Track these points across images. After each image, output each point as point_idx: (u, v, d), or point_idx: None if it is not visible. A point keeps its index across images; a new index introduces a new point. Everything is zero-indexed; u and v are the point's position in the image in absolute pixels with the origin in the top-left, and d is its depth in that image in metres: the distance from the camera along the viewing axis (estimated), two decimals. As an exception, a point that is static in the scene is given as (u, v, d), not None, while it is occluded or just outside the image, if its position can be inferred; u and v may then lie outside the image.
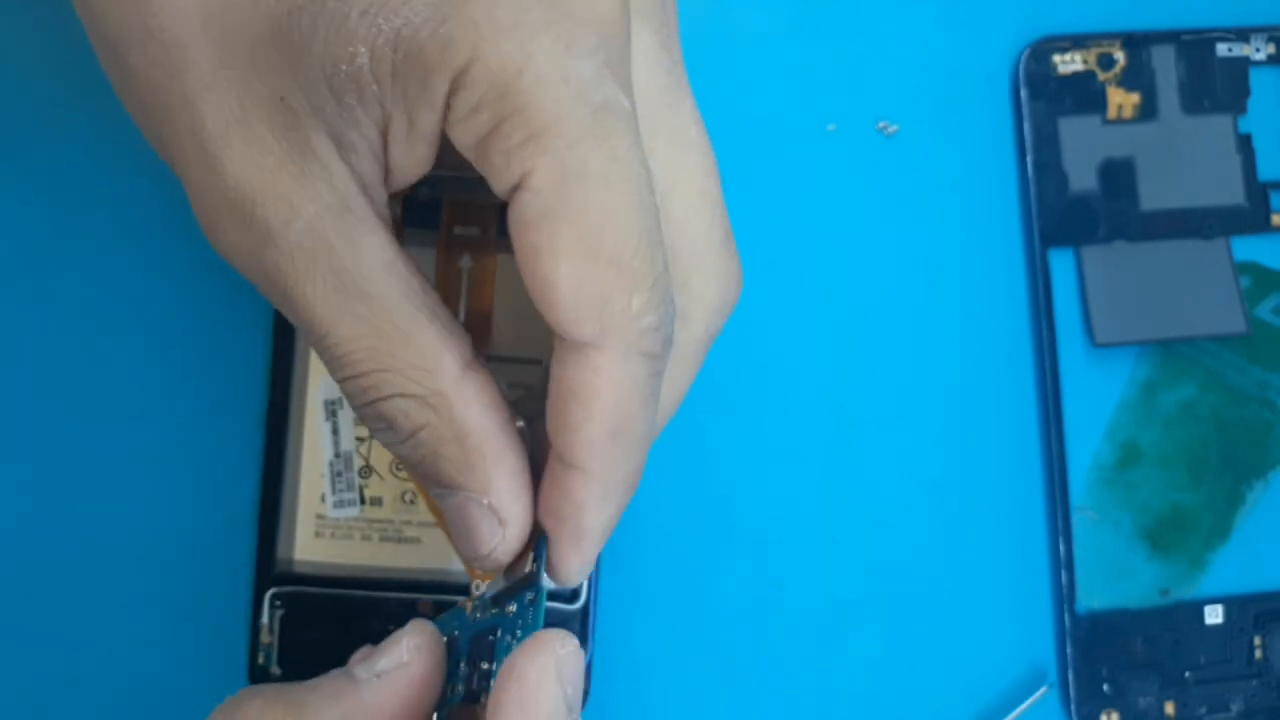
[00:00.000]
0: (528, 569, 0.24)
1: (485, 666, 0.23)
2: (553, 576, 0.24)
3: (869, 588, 0.33)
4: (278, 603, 0.31)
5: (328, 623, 0.31)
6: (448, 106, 0.21)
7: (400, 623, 0.31)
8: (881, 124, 0.34)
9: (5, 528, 0.32)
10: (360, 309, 0.22)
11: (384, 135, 0.22)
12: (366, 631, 0.31)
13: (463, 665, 0.24)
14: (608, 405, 0.22)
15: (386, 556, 0.31)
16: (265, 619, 0.31)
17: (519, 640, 0.23)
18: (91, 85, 0.33)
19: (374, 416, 0.23)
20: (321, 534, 0.31)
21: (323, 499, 0.31)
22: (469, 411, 0.23)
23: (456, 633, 0.25)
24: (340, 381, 0.23)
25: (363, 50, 0.21)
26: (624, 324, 0.22)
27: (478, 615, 0.24)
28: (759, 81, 0.34)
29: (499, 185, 0.22)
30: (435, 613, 0.31)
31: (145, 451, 0.32)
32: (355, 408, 0.23)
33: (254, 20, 0.21)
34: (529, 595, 0.23)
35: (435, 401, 0.23)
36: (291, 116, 0.21)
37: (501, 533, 0.23)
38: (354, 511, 0.31)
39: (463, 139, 0.22)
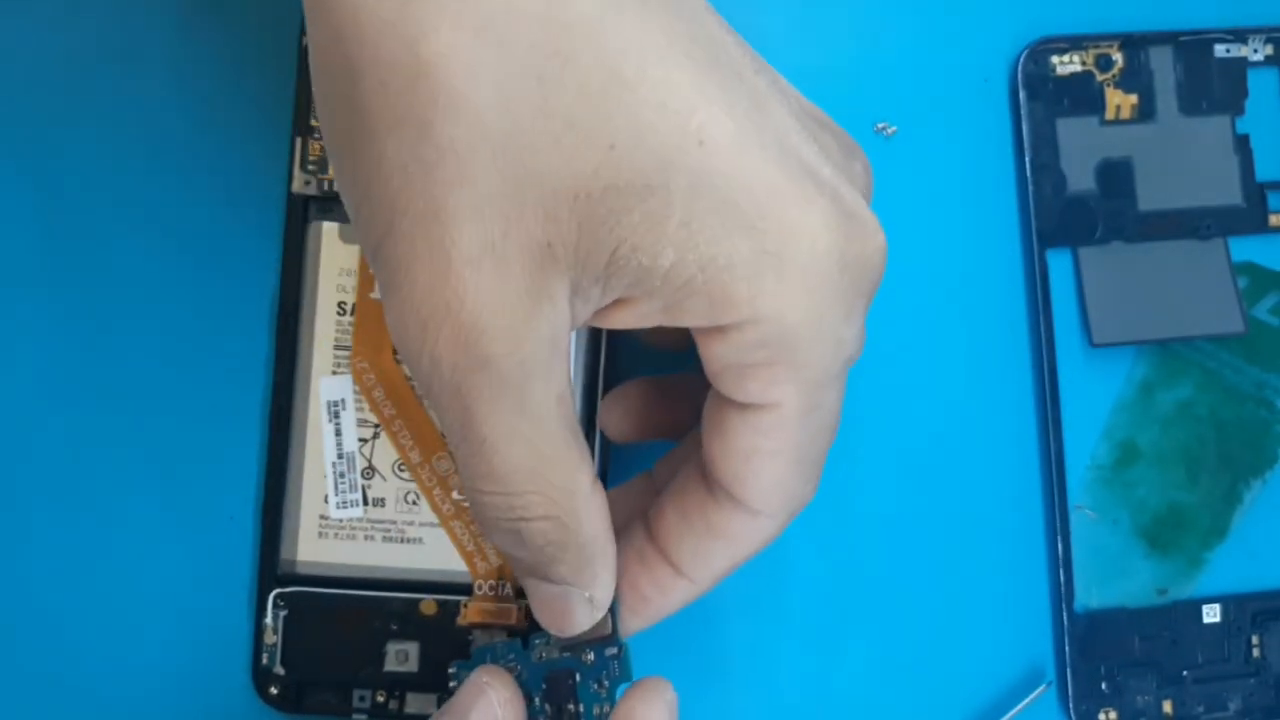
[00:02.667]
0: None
1: (571, 709, 0.26)
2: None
3: (868, 586, 0.33)
4: (281, 603, 0.31)
5: (331, 623, 0.31)
6: (720, 329, 0.22)
7: (402, 623, 0.31)
8: (880, 125, 0.34)
9: (9, 529, 0.32)
10: (532, 434, 0.23)
11: (621, 303, 0.23)
12: (370, 632, 0.31)
13: (536, 700, 0.26)
14: (750, 549, 0.26)
15: (389, 557, 0.31)
16: (269, 619, 0.31)
17: (609, 688, 0.26)
18: (95, 84, 0.33)
19: (510, 530, 0.24)
20: (325, 535, 0.31)
21: (326, 500, 0.31)
22: (591, 524, 0.25)
23: (518, 668, 0.27)
24: (483, 494, 0.24)
25: (670, 254, 0.21)
26: (798, 505, 0.25)
27: (543, 655, 0.26)
28: (758, 84, 0.34)
29: (738, 395, 0.23)
30: (437, 612, 0.31)
31: (149, 451, 0.32)
32: (488, 519, 0.24)
33: (559, 177, 0.21)
34: (610, 650, 0.26)
35: (569, 520, 0.24)
36: (549, 261, 0.21)
37: (592, 615, 0.26)
38: (357, 512, 0.31)
39: (720, 357, 0.23)
